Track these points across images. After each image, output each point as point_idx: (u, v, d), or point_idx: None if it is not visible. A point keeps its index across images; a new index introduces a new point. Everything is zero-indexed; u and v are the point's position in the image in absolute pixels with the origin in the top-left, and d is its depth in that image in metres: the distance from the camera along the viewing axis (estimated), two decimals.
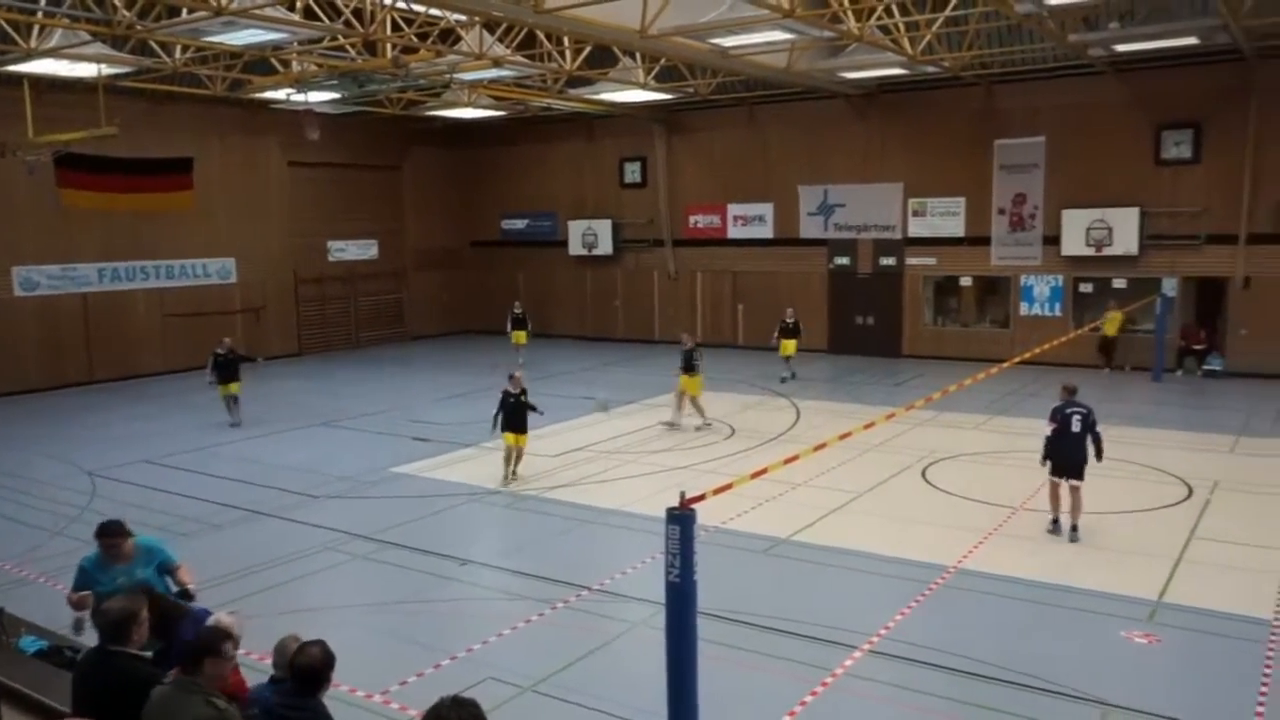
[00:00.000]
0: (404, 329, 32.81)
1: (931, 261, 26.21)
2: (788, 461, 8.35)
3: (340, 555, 11.59)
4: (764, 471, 8.07)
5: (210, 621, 5.62)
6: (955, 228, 25.66)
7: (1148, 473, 14.45)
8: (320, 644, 4.99)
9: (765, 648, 8.83)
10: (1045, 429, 11.45)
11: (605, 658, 8.79)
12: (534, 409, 14.69)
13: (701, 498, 6.77)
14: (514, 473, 14.51)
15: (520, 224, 33.47)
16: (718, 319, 29.75)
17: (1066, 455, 11.29)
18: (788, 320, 23.58)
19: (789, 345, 23.22)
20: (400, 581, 10.78)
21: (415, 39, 18.97)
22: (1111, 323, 23.06)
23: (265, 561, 11.28)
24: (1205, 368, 22.78)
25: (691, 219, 29.85)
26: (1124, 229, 23.09)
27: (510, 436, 14.42)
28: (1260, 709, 7.57)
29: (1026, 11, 16.85)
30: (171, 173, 23.36)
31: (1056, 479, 11.48)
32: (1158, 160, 22.96)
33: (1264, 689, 7.88)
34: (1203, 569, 10.63)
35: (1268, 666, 8.27)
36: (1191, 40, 19.35)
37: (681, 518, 6.60)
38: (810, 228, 27.75)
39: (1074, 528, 11.39)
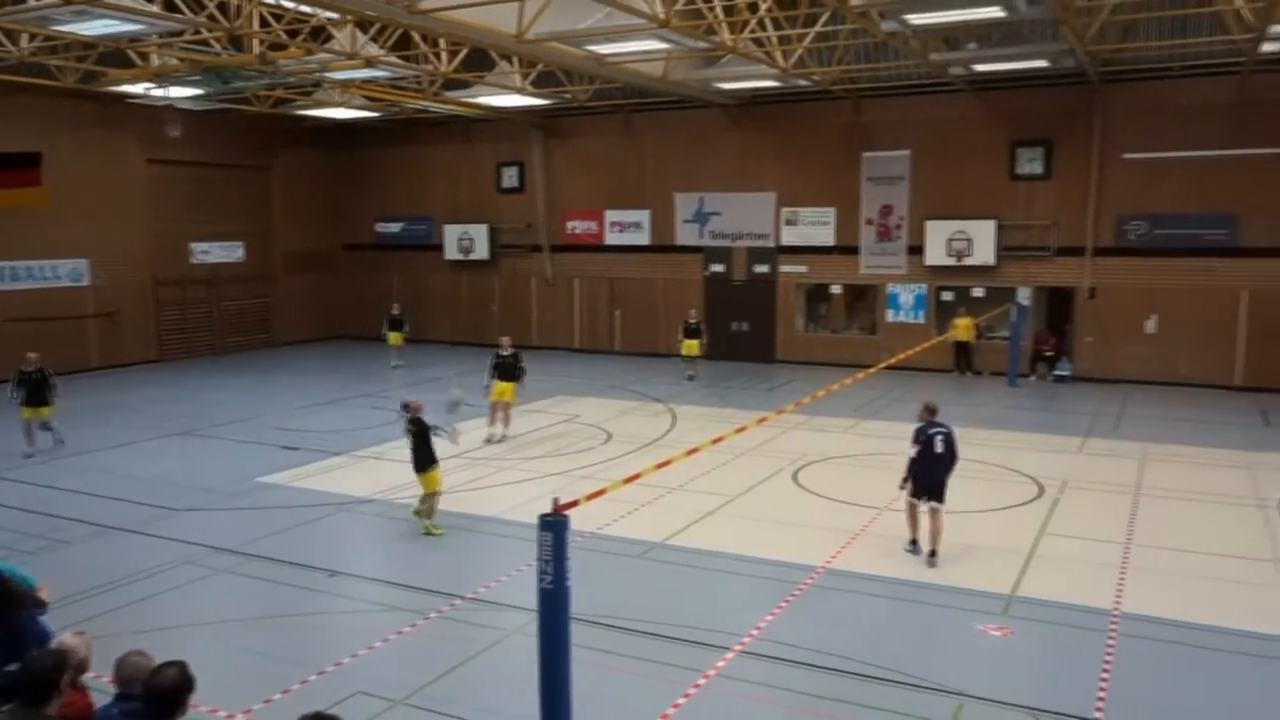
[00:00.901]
0: (272, 334, 31.73)
1: (803, 269, 26.92)
2: (660, 466, 8.45)
3: (201, 570, 11.13)
4: (637, 477, 8.13)
5: (55, 644, 5.29)
6: (826, 237, 26.42)
7: (1002, 473, 15.17)
8: (179, 665, 4.76)
9: (640, 651, 8.89)
10: (909, 450, 11.11)
11: (479, 667, 8.70)
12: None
13: (575, 504, 6.78)
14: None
15: (395, 228, 32.85)
16: (595, 325, 29.84)
17: (929, 476, 10.99)
18: (690, 321, 24.58)
19: (691, 345, 24.17)
20: (265, 596, 10.42)
21: (284, 35, 18.43)
22: (962, 329, 24.22)
23: (118, 579, 10.73)
24: (1056, 373, 24.08)
25: (569, 225, 29.86)
26: (982, 240, 24.22)
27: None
28: (1102, 692, 8.03)
29: (891, 30, 17.49)
30: (16, 168, 21.96)
31: (916, 500, 11.16)
32: (1013, 175, 24.18)
33: (1105, 674, 8.37)
34: (1052, 563, 11.22)
35: (1109, 653, 8.78)
36: (1042, 63, 20.47)
37: (554, 524, 6.59)
38: (686, 235, 28.14)
39: (933, 553, 10.98)
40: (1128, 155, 22.82)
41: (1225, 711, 7.85)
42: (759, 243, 27.22)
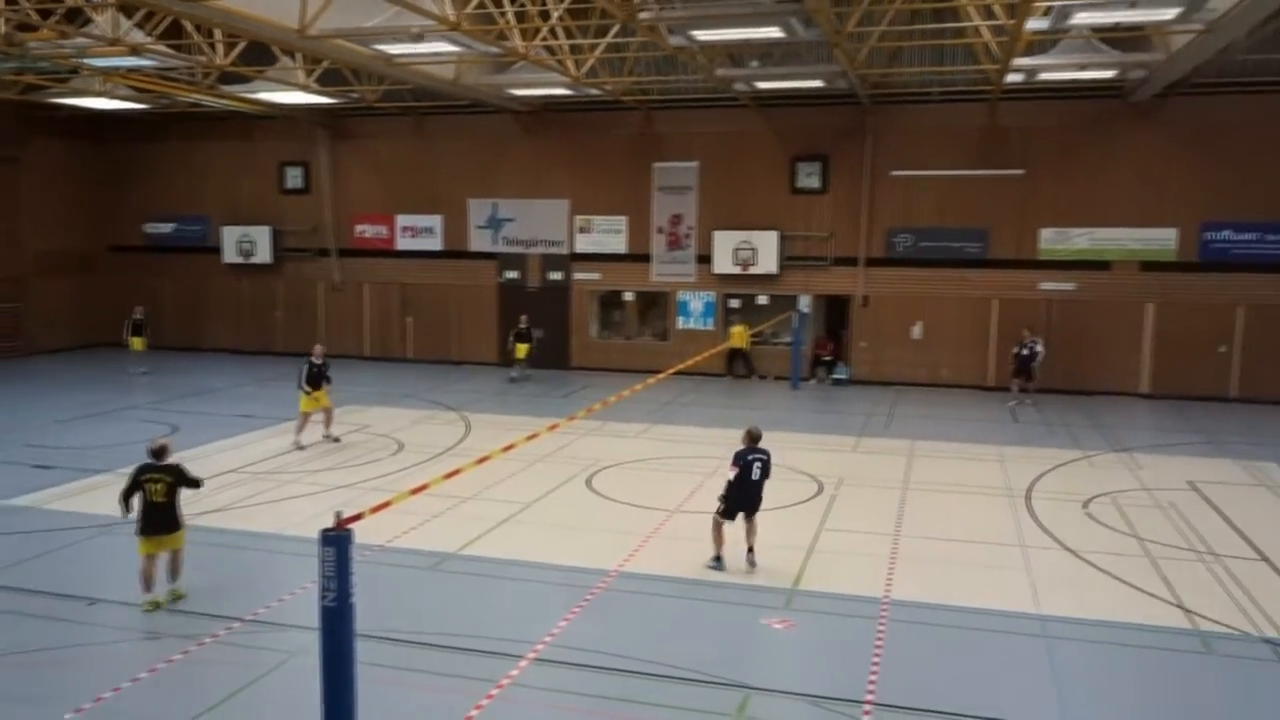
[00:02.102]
0: (23, 342, 28.93)
1: (597, 276, 27.23)
2: (449, 476, 8.31)
3: None
4: (424, 487, 7.97)
5: None
6: (619, 244, 26.85)
7: (785, 472, 15.82)
8: None
9: (431, 665, 8.71)
10: (727, 473, 11.19)
11: (258, 693, 8.25)
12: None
13: (359, 517, 6.57)
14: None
15: (167, 228, 30.76)
16: (386, 331, 29.03)
17: (745, 500, 11.17)
18: (521, 326, 25.16)
19: (522, 349, 24.90)
20: (11, 631, 9.47)
21: (35, 15, 16.89)
22: (737, 336, 25.27)
23: None
24: (834, 376, 25.50)
25: (358, 228, 28.93)
26: (766, 250, 25.31)
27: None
28: (873, 675, 8.55)
29: (679, 44, 18.02)
30: None
31: (726, 520, 11.24)
32: (793, 189, 25.42)
33: (876, 658, 8.92)
34: (830, 557, 11.85)
35: (879, 639, 9.37)
36: (818, 83, 21.66)
37: (337, 538, 6.36)
38: (480, 241, 27.87)
39: (750, 549, 11.24)
40: (895, 172, 24.49)
41: (979, 683, 8.52)
42: (553, 250, 27.33)
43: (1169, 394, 23.21)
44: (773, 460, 11.44)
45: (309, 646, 8.37)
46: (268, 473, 15.42)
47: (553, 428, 11.49)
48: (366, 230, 28.84)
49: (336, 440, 17.53)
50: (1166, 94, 21.91)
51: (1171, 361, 23.41)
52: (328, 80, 23.61)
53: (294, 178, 29.34)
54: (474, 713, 7.86)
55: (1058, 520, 13.34)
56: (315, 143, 28.64)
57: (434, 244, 28.27)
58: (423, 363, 27.99)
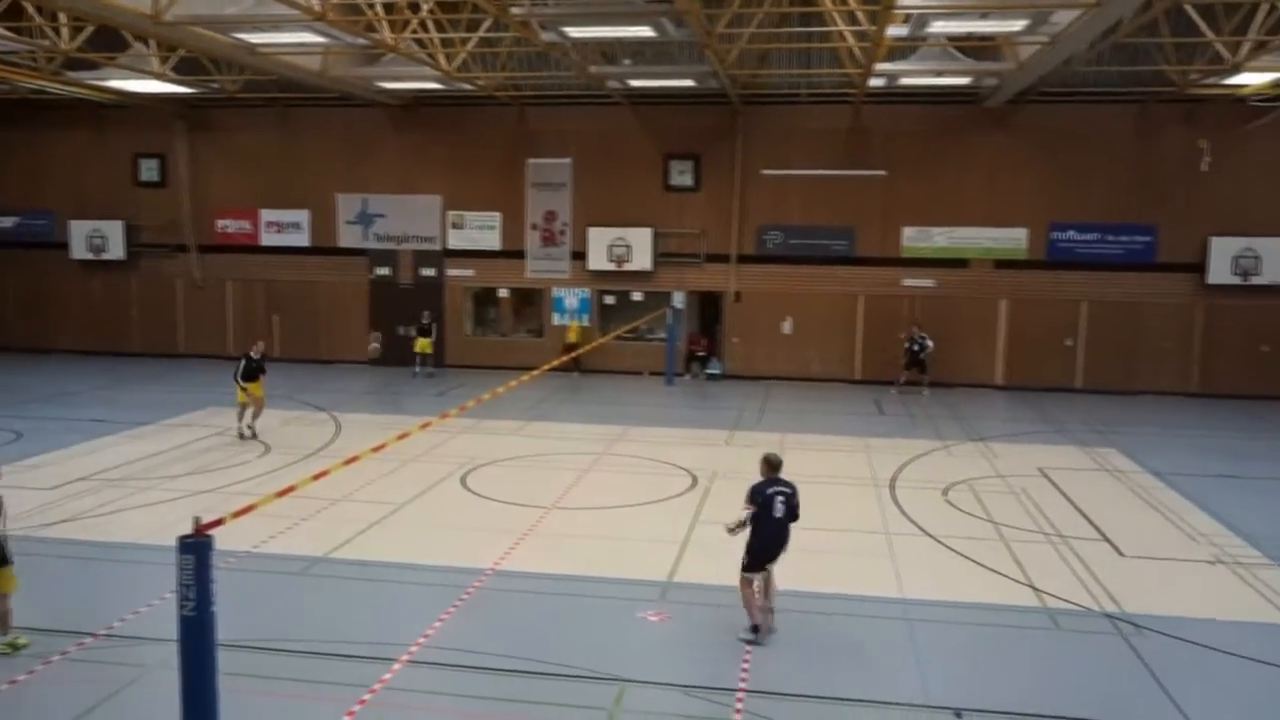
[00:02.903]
0: None
1: (471, 273, 26.94)
2: (317, 477, 8.10)
3: None
4: (291, 489, 7.75)
5: None
6: (493, 241, 26.63)
7: (661, 467, 16.10)
8: None
9: (301, 673, 8.48)
10: (740, 512, 9.32)
11: (112, 711, 7.86)
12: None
13: (220, 522, 6.34)
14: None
15: (7, 222, 28.90)
16: (251, 330, 27.88)
17: (767, 544, 9.24)
18: (424, 321, 25.26)
19: (423, 344, 25.00)
20: None
21: None
22: (573, 332, 25.61)
23: None
24: (708, 371, 25.92)
25: (220, 224, 27.82)
26: (640, 247, 25.52)
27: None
28: (745, 663, 8.75)
29: (551, 40, 18.00)
30: None
31: (753, 574, 9.28)
32: (666, 186, 25.70)
33: (749, 647, 9.12)
34: (704, 549, 12.03)
35: None
36: (690, 82, 21.98)
37: (196, 545, 6.13)
38: (350, 237, 27.20)
39: (770, 609, 9.41)
40: (765, 171, 25.05)
41: (847, 666, 8.82)
42: (426, 246, 26.90)
43: (1021, 385, 24.48)
44: (799, 499, 9.44)
45: (168, 659, 8.03)
46: (122, 479, 14.69)
47: (425, 426, 11.32)
48: (229, 225, 27.76)
49: (253, 436, 17.52)
50: (1017, 101, 23.07)
51: (1023, 355, 24.71)
52: (185, 69, 22.64)
53: (149, 170, 28.00)
54: (345, 719, 7.69)
55: (919, 508, 13.91)
56: (172, 134, 27.39)
57: (301, 240, 27.43)
58: (290, 362, 27.08)
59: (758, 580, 9.27)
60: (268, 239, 27.59)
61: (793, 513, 9.33)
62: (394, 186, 26.80)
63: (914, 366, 23.46)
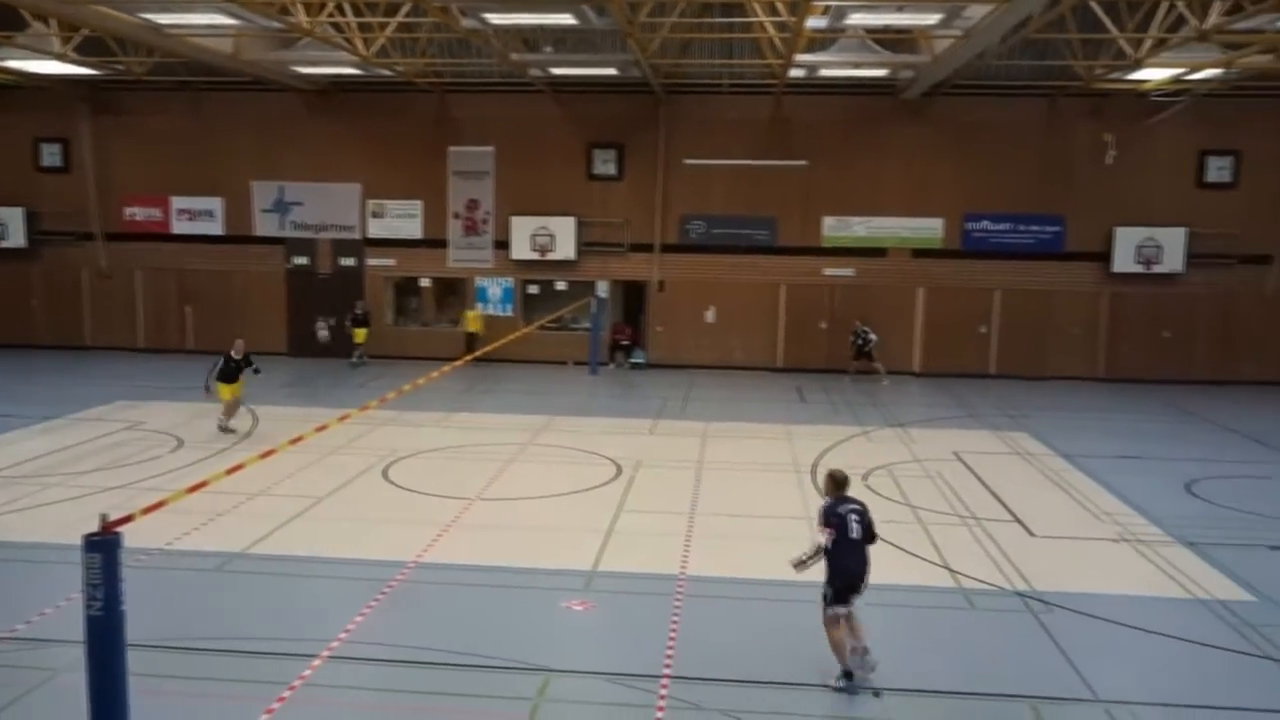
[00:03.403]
0: None
1: (391, 262, 26.55)
2: (231, 471, 7.91)
3: None
4: (203, 484, 7.55)
5: None
6: (414, 230, 26.26)
7: (585, 456, 16.10)
8: None
9: (217, 672, 8.28)
10: (818, 537, 8.37)
11: (17, 716, 7.58)
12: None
13: (129, 519, 6.15)
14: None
15: None
16: (162, 322, 27.18)
17: (849, 570, 8.28)
18: (358, 311, 25.34)
19: (360, 333, 25.09)
20: None
21: None
22: (472, 320, 25.46)
23: None
24: (632, 361, 25.99)
25: (128, 211, 26.89)
26: (564, 236, 25.42)
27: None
28: (670, 649, 8.82)
29: (472, 27, 17.79)
30: None
31: (841, 609, 8.28)
32: (590, 175, 25.63)
33: (673, 633, 9.20)
34: (628, 537, 12.09)
35: (675, 614, 9.66)
36: (612, 71, 21.94)
37: (103, 543, 5.94)
38: (266, 225, 26.55)
39: (865, 650, 8.22)
40: (688, 161, 25.16)
41: (769, 651, 8.95)
42: (345, 235, 26.41)
43: (938, 372, 25.06)
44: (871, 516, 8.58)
45: (76, 662, 7.79)
46: (26, 476, 14.16)
47: (344, 418, 11.13)
48: (137, 213, 26.86)
49: (231, 431, 17.15)
50: (932, 94, 23.55)
51: (940, 342, 25.29)
52: (89, 49, 21.80)
53: (51, 155, 26.92)
54: (264, 718, 7.54)
55: None
56: (76, 117, 26.38)
57: (215, 228, 26.69)
58: (206, 354, 26.29)
59: (844, 615, 8.28)
60: (179, 227, 26.77)
61: (869, 533, 8.38)
62: (311, 174, 26.23)
63: (861, 358, 23.92)
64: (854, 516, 8.33)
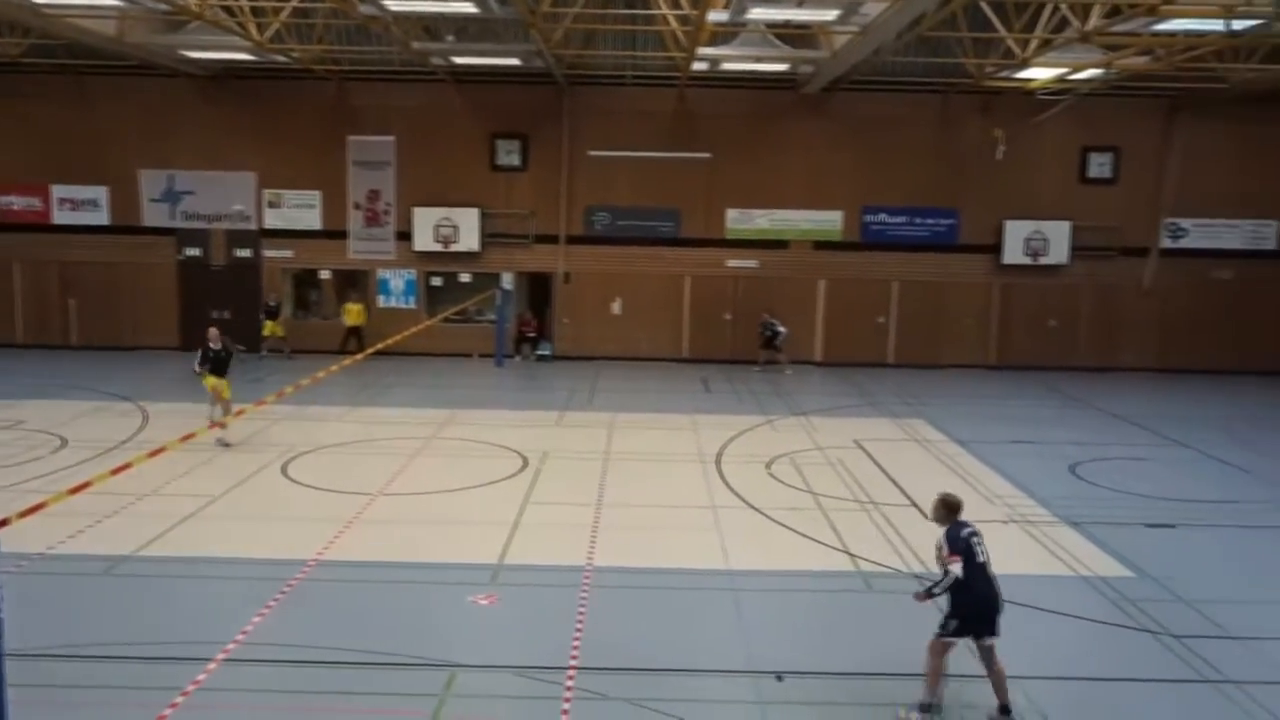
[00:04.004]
0: None
1: (289, 254, 25.86)
2: (116, 471, 7.62)
3: None
4: (87, 485, 7.26)
5: None
6: (313, 220, 25.63)
7: (491, 449, 15.98)
8: None
9: (104, 679, 7.98)
10: (949, 566, 7.70)
11: None
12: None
13: (5, 522, 5.88)
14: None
15: None
16: (44, 316, 25.93)
17: (982, 599, 7.68)
18: (270, 303, 25.00)
19: (272, 326, 24.65)
20: None
21: None
22: (351, 313, 25.12)
23: None
24: (538, 353, 25.88)
25: (4, 200, 25.56)
26: (467, 227, 25.14)
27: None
28: (576, 641, 8.84)
29: (370, 13, 17.42)
30: None
31: (953, 640, 7.75)
32: (493, 166, 25.39)
33: (579, 624, 9.22)
34: (535, 530, 12.06)
35: (582, 605, 9.69)
36: (515, 61, 21.75)
37: None
38: (155, 215, 25.56)
39: (1005, 709, 7.67)
40: (592, 152, 25.13)
41: (676, 638, 9.05)
42: (240, 225, 25.60)
43: (838, 362, 25.61)
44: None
45: None
46: None
47: (239, 414, 10.83)
48: (14, 202, 25.56)
49: (223, 427, 15.66)
50: (832, 89, 24.00)
51: (840, 332, 25.85)
52: None
53: None
54: None
55: (744, 481, 14.37)
56: None
57: (100, 218, 25.57)
58: (90, 349, 25.31)
59: (960, 645, 7.70)
60: (61, 217, 25.57)
61: (987, 558, 7.81)
62: (204, 162, 25.34)
63: (769, 348, 24.25)
64: (976, 539, 7.83)
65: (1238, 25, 16.83)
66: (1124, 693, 8.33)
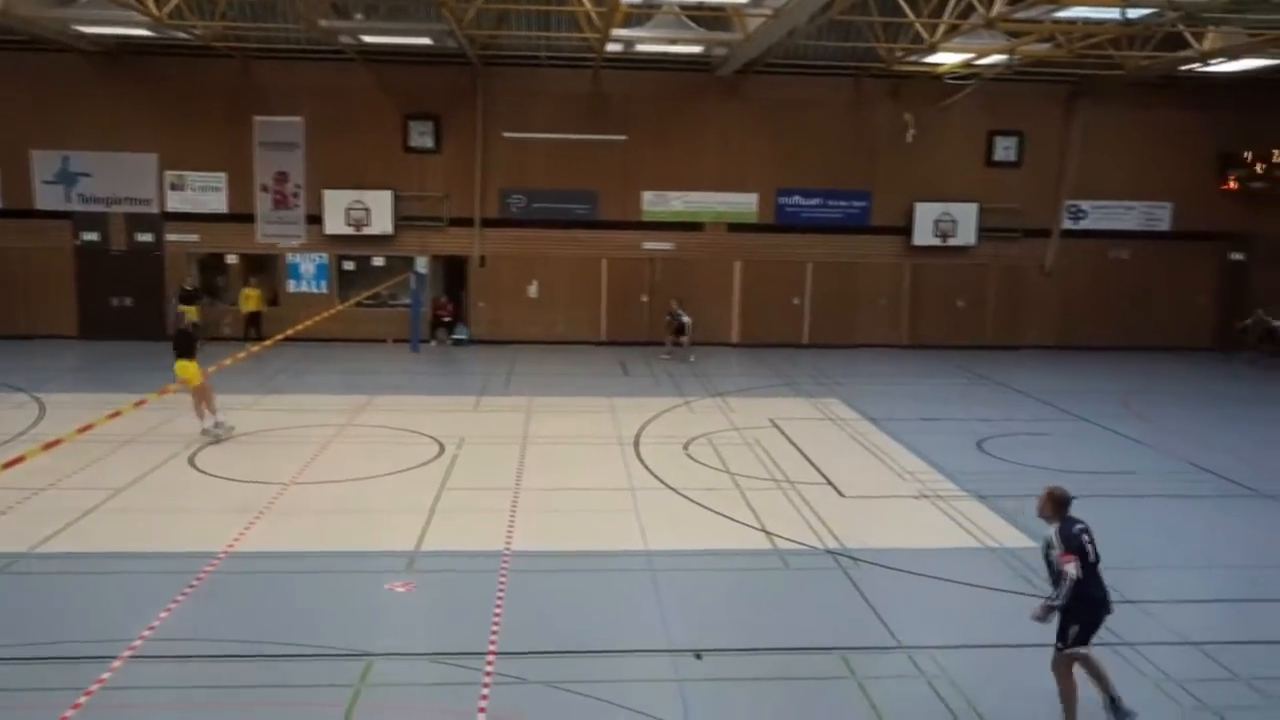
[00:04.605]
0: None
1: (195, 238, 25.06)
2: (8, 465, 7.31)
3: None
4: None
5: None
6: (219, 203, 24.86)
7: (407, 436, 15.77)
8: None
9: (2, 682, 7.67)
10: (1065, 566, 7.06)
11: None
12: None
13: None
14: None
15: None
16: None
17: (1096, 600, 7.20)
18: (187, 288, 24.26)
19: (190, 311, 23.31)
20: None
21: None
22: (249, 299, 24.65)
23: None
24: (454, 337, 25.59)
25: None
26: (380, 210, 24.67)
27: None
28: (495, 626, 8.80)
29: None
30: None
31: (1080, 651, 7.21)
32: (406, 148, 24.95)
33: (498, 609, 9.17)
34: (452, 515, 11.94)
35: (500, 590, 9.64)
36: (427, 41, 21.36)
37: None
38: (49, 198, 24.48)
39: (1114, 702, 7.17)
40: (507, 134, 24.87)
41: (595, 620, 9.08)
42: (140, 209, 24.70)
43: (755, 343, 25.91)
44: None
45: None
46: None
47: (140, 403, 10.47)
48: None
49: (213, 428, 15.23)
50: (746, 71, 24.15)
51: (756, 314, 26.14)
52: None
53: None
54: None
55: (662, 463, 14.46)
56: None
57: None
58: None
59: (1084, 656, 7.20)
60: None
61: (1098, 555, 7.26)
62: (101, 143, 24.34)
63: (675, 335, 24.13)
64: (1086, 537, 7.20)
65: (1132, 14, 17.48)
66: (1029, 657, 8.62)
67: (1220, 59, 21.32)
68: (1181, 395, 21.08)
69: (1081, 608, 7.07)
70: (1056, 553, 7.12)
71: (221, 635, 8.50)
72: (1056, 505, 7.34)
